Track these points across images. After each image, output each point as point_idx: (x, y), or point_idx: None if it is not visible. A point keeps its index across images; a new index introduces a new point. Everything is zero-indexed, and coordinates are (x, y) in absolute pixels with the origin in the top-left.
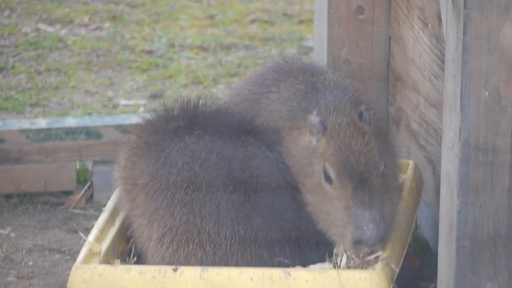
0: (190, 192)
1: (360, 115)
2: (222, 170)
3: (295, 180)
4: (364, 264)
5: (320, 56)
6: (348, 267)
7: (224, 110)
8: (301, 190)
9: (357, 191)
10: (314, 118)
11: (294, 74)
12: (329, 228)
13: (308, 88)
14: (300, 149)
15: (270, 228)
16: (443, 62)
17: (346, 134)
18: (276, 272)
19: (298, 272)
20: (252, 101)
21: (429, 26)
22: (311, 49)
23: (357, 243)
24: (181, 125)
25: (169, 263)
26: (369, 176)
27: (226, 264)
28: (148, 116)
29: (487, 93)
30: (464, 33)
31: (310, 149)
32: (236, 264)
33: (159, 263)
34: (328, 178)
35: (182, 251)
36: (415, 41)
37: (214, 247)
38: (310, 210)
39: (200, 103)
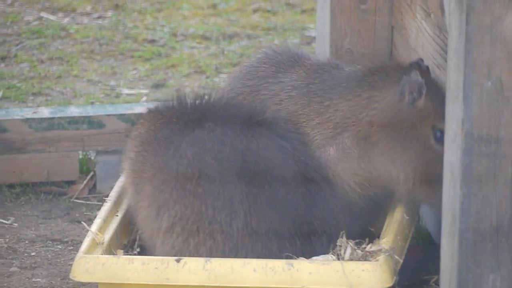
0: (202, 183)
1: (420, 65)
2: (236, 162)
3: (312, 169)
4: (368, 256)
5: (322, 46)
6: (351, 259)
7: (233, 102)
8: (400, 160)
9: None
10: (416, 78)
11: (291, 61)
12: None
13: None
14: (385, 116)
15: (283, 221)
16: (446, 52)
17: (440, 91)
18: (279, 264)
19: (301, 264)
20: (249, 94)
21: (432, 16)
22: (313, 39)
23: None
24: (191, 119)
25: (178, 251)
26: None
27: (236, 256)
28: (158, 107)
29: (490, 83)
30: (467, 23)
31: (401, 112)
32: (246, 256)
33: (168, 252)
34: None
35: (192, 240)
36: (418, 31)
37: (224, 238)
38: (413, 176)
39: (209, 97)
